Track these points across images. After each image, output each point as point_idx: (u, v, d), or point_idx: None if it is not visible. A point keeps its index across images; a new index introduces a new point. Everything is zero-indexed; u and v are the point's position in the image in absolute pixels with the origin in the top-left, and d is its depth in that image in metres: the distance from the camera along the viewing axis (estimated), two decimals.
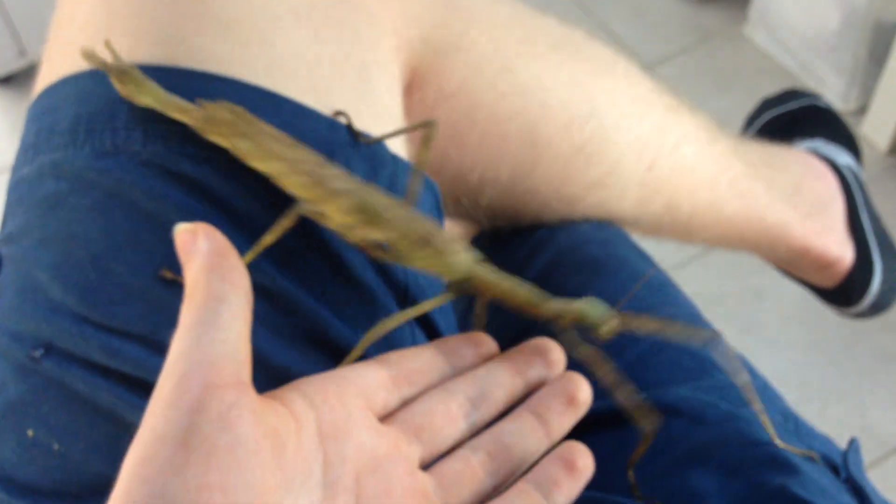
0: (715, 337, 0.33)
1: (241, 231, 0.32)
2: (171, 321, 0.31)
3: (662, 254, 1.29)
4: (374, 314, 0.34)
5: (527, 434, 0.30)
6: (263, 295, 0.32)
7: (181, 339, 0.25)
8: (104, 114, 0.33)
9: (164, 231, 0.31)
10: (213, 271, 0.26)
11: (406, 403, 0.30)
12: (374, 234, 0.32)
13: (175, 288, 0.31)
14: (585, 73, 0.50)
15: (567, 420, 0.31)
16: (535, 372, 0.32)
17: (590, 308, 0.31)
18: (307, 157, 0.32)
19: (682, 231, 0.58)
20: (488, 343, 0.33)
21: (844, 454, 0.39)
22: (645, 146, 0.51)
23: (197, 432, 0.23)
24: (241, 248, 0.32)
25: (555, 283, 0.49)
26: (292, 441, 0.26)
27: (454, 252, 0.32)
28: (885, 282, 0.65)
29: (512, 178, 0.48)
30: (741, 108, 0.88)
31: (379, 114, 0.39)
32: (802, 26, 1.42)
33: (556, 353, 0.33)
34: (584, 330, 0.32)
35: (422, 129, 0.36)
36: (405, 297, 0.36)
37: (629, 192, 0.52)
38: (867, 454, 1.08)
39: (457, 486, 0.29)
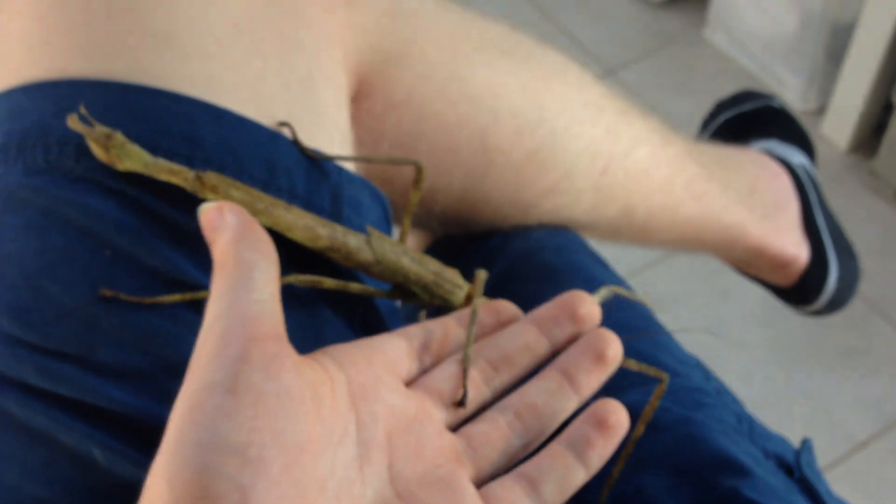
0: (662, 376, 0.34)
1: (181, 248, 0.32)
2: (108, 340, 0.30)
3: (628, 256, 1.30)
4: (319, 327, 0.34)
5: (554, 393, 0.30)
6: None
7: (217, 302, 0.26)
8: (36, 130, 0.32)
9: (99, 249, 0.31)
10: (242, 241, 0.27)
11: (427, 372, 0.31)
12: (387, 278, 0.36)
13: (113, 307, 0.31)
14: (536, 80, 0.50)
15: (596, 378, 0.31)
16: (561, 331, 0.32)
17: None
18: (308, 218, 0.34)
19: (639, 234, 0.58)
20: (509, 309, 0.33)
21: (797, 454, 0.39)
22: (598, 151, 0.51)
23: (244, 380, 0.24)
24: (183, 265, 0.32)
25: (510, 290, 0.48)
26: (328, 397, 0.27)
27: (458, 290, 0.37)
28: (840, 279, 0.66)
29: (464, 186, 0.48)
30: (703, 110, 0.89)
31: (324, 124, 0.39)
32: (760, 28, 1.44)
33: (587, 306, 0.32)
34: None
35: (405, 163, 0.40)
36: None
37: (584, 197, 0.52)
38: (835, 451, 1.09)
39: (485, 446, 0.29)
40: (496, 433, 0.30)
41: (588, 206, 0.52)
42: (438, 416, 0.30)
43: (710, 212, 0.59)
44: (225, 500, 0.22)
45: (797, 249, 0.64)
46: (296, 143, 0.36)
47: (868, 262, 1.27)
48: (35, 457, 0.30)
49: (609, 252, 1.36)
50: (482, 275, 0.36)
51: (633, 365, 0.33)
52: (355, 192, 0.38)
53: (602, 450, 0.29)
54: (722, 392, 0.44)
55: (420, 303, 0.37)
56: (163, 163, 0.32)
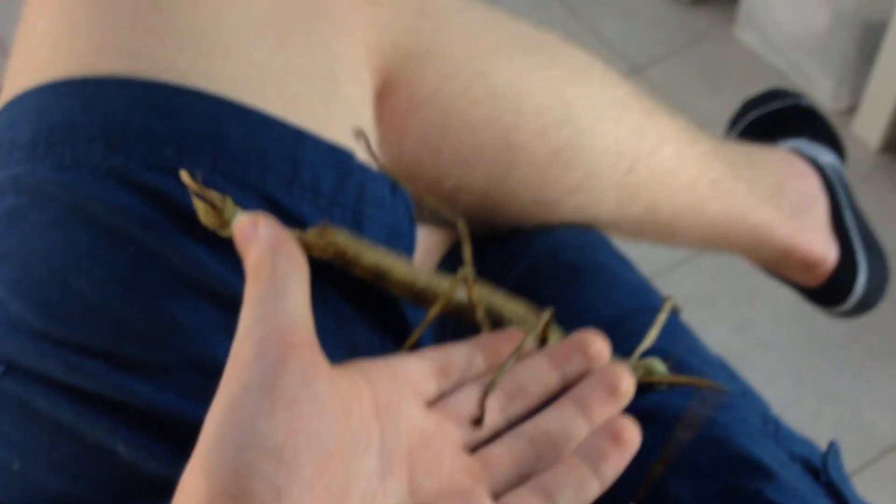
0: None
1: (205, 242, 0.32)
2: (132, 336, 0.30)
3: (654, 256, 1.29)
4: (340, 322, 0.34)
5: (568, 421, 0.31)
6: (228, 307, 0.31)
7: (253, 309, 0.27)
8: (65, 126, 0.33)
9: (125, 245, 0.31)
10: (275, 253, 0.28)
11: (445, 395, 0.32)
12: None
13: (137, 302, 0.31)
14: (560, 78, 0.49)
15: (609, 409, 0.32)
16: (573, 366, 0.33)
17: (654, 364, 0.38)
18: (407, 265, 0.36)
19: (664, 234, 0.57)
20: (525, 339, 0.34)
21: (824, 457, 0.39)
22: (623, 149, 0.51)
23: (281, 384, 0.25)
24: (206, 260, 0.32)
25: (533, 289, 0.48)
26: (357, 408, 0.28)
27: (553, 334, 0.37)
28: (869, 280, 0.65)
29: (487, 184, 0.48)
30: (731, 108, 0.88)
31: (348, 121, 0.39)
32: (791, 26, 1.42)
33: (597, 345, 0.33)
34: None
35: (448, 219, 0.43)
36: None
37: (608, 195, 0.52)
38: (863, 454, 1.07)
39: (500, 466, 0.30)
40: (511, 456, 0.30)
41: (612, 205, 0.52)
42: (456, 436, 0.30)
43: (737, 211, 0.58)
44: (260, 498, 0.23)
45: (825, 249, 0.63)
46: (370, 154, 0.37)
47: None
48: (60, 451, 0.30)
49: (636, 251, 1.35)
50: (546, 315, 0.36)
51: (685, 379, 0.37)
52: (379, 189, 0.38)
53: (616, 463, 0.30)
54: (747, 393, 0.43)
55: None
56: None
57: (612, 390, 0.32)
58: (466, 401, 0.31)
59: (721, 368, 0.44)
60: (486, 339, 0.34)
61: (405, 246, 0.40)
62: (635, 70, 1.50)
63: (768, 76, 1.46)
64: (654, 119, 0.54)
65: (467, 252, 0.37)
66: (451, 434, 0.30)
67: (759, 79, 1.47)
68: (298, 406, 0.25)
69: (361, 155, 0.39)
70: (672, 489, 0.35)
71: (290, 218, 0.34)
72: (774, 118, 0.75)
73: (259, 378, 0.25)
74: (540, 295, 0.48)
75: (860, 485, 1.18)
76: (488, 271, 0.51)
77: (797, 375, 1.15)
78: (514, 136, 0.47)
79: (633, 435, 0.31)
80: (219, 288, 0.32)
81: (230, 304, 0.31)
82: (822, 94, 1.41)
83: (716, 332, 1.20)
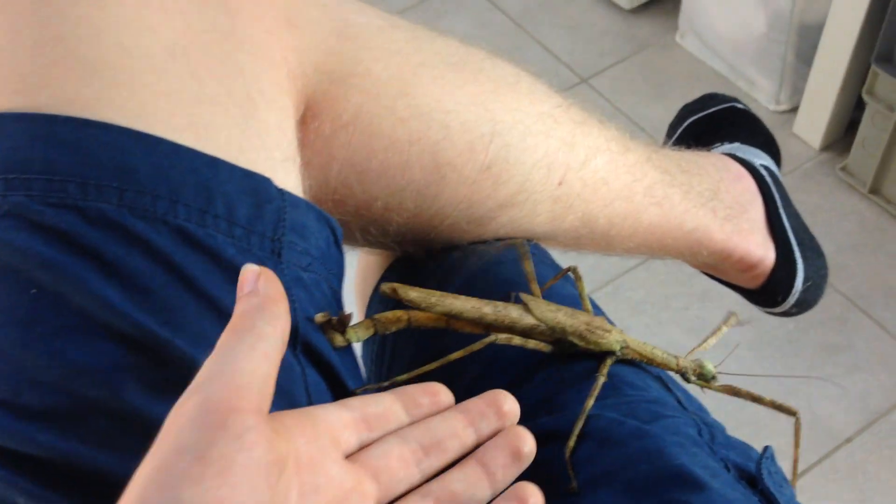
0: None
1: (111, 280, 0.31)
2: (33, 382, 0.29)
3: (607, 262, 1.30)
4: None
5: (473, 484, 0.32)
6: (137, 347, 0.31)
7: (215, 359, 0.27)
8: None
9: (24, 287, 0.30)
10: (262, 311, 0.29)
11: (364, 446, 0.32)
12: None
13: (37, 346, 0.30)
14: (487, 93, 0.49)
15: (511, 472, 0.33)
16: (487, 424, 0.34)
17: (706, 363, 0.44)
18: (474, 301, 0.42)
19: (601, 243, 0.57)
20: (444, 393, 0.35)
21: (758, 463, 0.39)
22: (553, 162, 0.51)
23: (216, 449, 0.25)
24: (112, 298, 0.31)
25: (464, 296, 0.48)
26: (284, 469, 0.27)
27: (605, 335, 0.42)
28: (807, 279, 0.65)
29: (418, 203, 0.48)
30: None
31: (266, 147, 0.39)
32: (730, 32, 1.44)
33: (509, 404, 0.34)
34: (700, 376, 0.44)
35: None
36: (295, 336, 0.35)
37: (541, 208, 0.52)
38: (819, 448, 1.09)
39: None
40: None
41: (546, 218, 0.52)
42: (372, 492, 0.31)
43: (673, 217, 0.58)
44: None
45: (763, 251, 0.64)
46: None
47: (845, 258, 1.27)
48: None
49: (589, 257, 1.35)
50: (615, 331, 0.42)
51: (769, 403, 0.42)
52: (300, 216, 0.38)
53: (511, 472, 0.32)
54: (684, 402, 0.43)
55: (577, 350, 0.42)
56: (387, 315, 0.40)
57: (516, 454, 0.33)
58: (385, 454, 0.31)
59: (656, 379, 0.44)
60: (408, 390, 0.34)
61: (332, 272, 0.40)
62: (582, 80, 1.52)
63: (711, 81, 1.49)
64: (585, 130, 0.54)
65: (529, 267, 0.44)
66: (366, 489, 0.30)
67: (703, 84, 1.49)
68: (230, 472, 0.24)
69: (285, 181, 0.39)
70: (600, 502, 0.35)
71: (204, 249, 0.33)
72: (710, 122, 0.76)
73: (194, 441, 0.25)
74: None
75: (817, 478, 1.19)
76: (427, 286, 0.51)
77: (751, 373, 1.16)
78: (442, 153, 0.47)
79: (530, 450, 0.32)
80: (126, 327, 0.31)
81: (137, 344, 0.31)
82: (764, 96, 1.44)
83: (670, 333, 1.21)
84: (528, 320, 0.41)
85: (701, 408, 0.45)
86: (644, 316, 1.23)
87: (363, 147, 0.45)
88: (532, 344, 0.42)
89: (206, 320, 0.32)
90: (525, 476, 0.38)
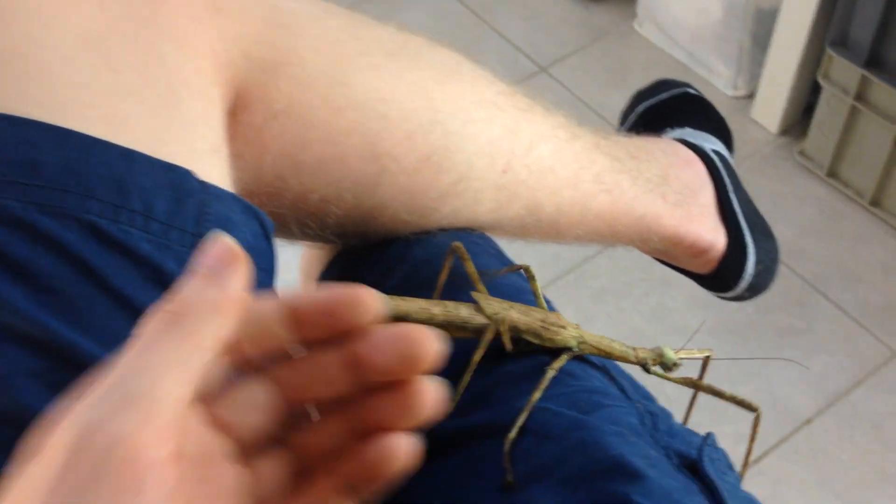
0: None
1: (16, 280, 0.30)
2: None
3: (567, 251, 1.29)
4: None
5: (339, 437, 0.27)
6: (41, 350, 0.29)
7: (123, 366, 0.22)
8: None
9: None
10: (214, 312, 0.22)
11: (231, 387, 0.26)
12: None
13: None
14: (426, 81, 0.48)
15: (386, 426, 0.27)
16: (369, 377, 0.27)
17: (666, 351, 0.43)
18: (421, 302, 0.40)
19: (550, 231, 0.57)
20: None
21: (700, 450, 0.38)
22: (497, 150, 0.50)
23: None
24: (16, 299, 0.30)
25: (411, 296, 0.47)
26: None
27: (560, 332, 0.42)
28: (759, 262, 0.65)
29: (356, 195, 0.47)
30: None
31: (190, 140, 0.37)
32: (687, 18, 1.45)
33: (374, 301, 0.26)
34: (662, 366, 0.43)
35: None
36: None
37: (485, 197, 0.51)
38: (780, 430, 1.09)
39: (270, 482, 0.26)
40: (281, 469, 0.26)
41: (490, 207, 0.51)
42: (230, 448, 0.26)
43: (622, 203, 0.58)
44: None
45: (714, 236, 0.64)
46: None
47: (804, 242, 1.28)
48: None
49: (550, 247, 1.35)
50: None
51: (730, 398, 0.41)
52: (224, 209, 0.36)
53: (376, 487, 0.27)
54: (628, 391, 0.43)
55: (534, 350, 0.42)
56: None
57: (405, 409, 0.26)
58: (246, 402, 0.26)
59: (599, 368, 0.44)
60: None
61: (262, 267, 0.38)
62: (541, 69, 1.51)
63: (670, 68, 1.49)
64: (530, 117, 0.53)
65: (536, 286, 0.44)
66: (226, 445, 0.25)
67: (662, 71, 1.49)
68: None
69: (209, 174, 0.37)
70: (538, 498, 0.34)
71: (117, 246, 0.32)
72: (662, 108, 0.75)
73: (68, 489, 0.20)
74: None
75: (777, 460, 1.20)
76: (367, 281, 0.50)
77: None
78: (381, 143, 0.46)
79: (398, 461, 0.26)
80: (29, 329, 0.30)
81: (42, 347, 0.29)
82: (722, 82, 1.44)
83: (632, 320, 1.21)
84: (480, 319, 0.40)
85: (647, 396, 0.45)
86: (606, 304, 1.23)
87: (297, 138, 0.44)
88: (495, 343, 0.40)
89: (117, 320, 0.31)
90: (460, 471, 0.37)
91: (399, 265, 0.49)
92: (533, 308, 0.42)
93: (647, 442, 0.38)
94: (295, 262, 0.63)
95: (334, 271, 0.52)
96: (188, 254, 0.34)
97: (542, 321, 0.41)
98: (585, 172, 0.56)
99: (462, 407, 0.40)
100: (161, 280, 0.33)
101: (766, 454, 1.06)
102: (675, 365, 0.43)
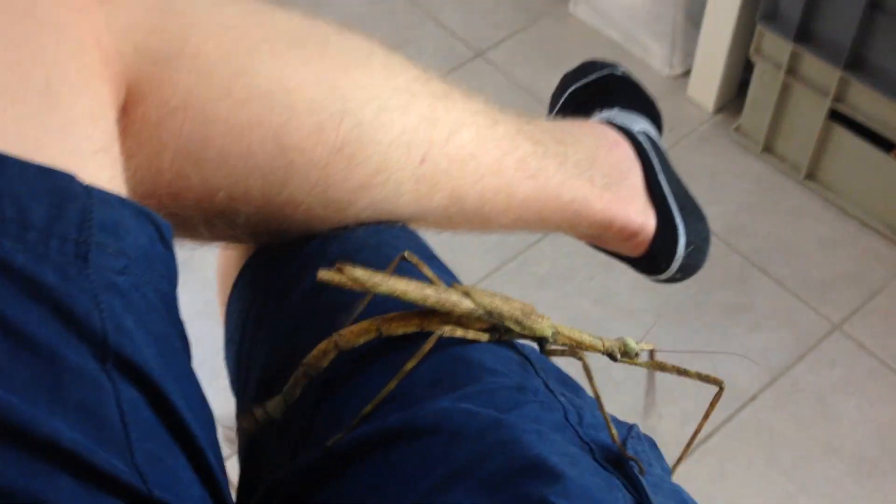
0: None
1: None
2: None
3: (509, 239, 1.28)
4: (58, 375, 0.29)
5: None
6: None
7: None
8: None
9: None
10: None
11: None
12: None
13: None
14: (335, 69, 0.46)
15: None
16: None
17: (628, 342, 0.44)
18: (415, 284, 0.40)
19: (475, 221, 0.55)
20: None
21: (623, 444, 0.37)
22: (413, 140, 0.48)
23: None
24: None
25: (327, 296, 0.45)
26: None
27: (539, 321, 0.42)
28: (689, 243, 0.65)
29: (265, 192, 0.44)
30: None
31: (73, 140, 0.35)
32: None
33: None
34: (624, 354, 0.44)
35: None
36: (104, 349, 0.31)
37: (404, 189, 0.49)
38: (725, 407, 1.10)
39: None
40: None
41: (410, 198, 0.49)
42: None
43: (549, 189, 0.56)
44: None
45: (644, 218, 0.63)
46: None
47: (742, 218, 1.29)
48: None
49: (493, 236, 1.33)
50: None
51: (695, 375, 0.42)
52: (112, 213, 0.34)
53: None
54: (552, 385, 0.41)
55: (514, 337, 0.42)
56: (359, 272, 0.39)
57: None
58: None
59: (519, 364, 0.42)
60: None
61: (160, 273, 0.36)
62: (477, 54, 1.50)
63: (605, 49, 1.48)
64: (448, 104, 0.51)
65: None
66: None
67: (597, 52, 1.48)
68: None
69: (97, 176, 0.35)
70: (458, 501, 0.33)
71: None
72: (590, 90, 0.74)
73: None
74: (335, 299, 0.45)
75: (724, 438, 1.20)
76: (284, 278, 0.48)
77: (656, 338, 1.17)
78: (288, 136, 0.44)
79: None
80: None
81: None
82: (658, 61, 1.44)
83: (578, 305, 1.21)
84: (467, 304, 0.40)
85: (574, 388, 0.43)
86: (550, 290, 1.22)
87: (197, 134, 0.42)
88: (472, 334, 0.41)
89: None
90: (378, 476, 0.36)
91: (316, 261, 0.47)
92: (511, 298, 0.42)
93: (570, 438, 0.37)
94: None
95: (248, 272, 0.50)
96: (70, 264, 0.32)
97: (522, 310, 0.42)
98: (508, 158, 0.54)
99: (381, 410, 0.38)
100: (39, 294, 0.30)
101: (712, 433, 1.07)
102: (637, 354, 0.44)
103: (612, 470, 0.36)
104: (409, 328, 0.41)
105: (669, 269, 0.65)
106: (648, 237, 0.63)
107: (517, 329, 0.42)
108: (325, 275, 0.38)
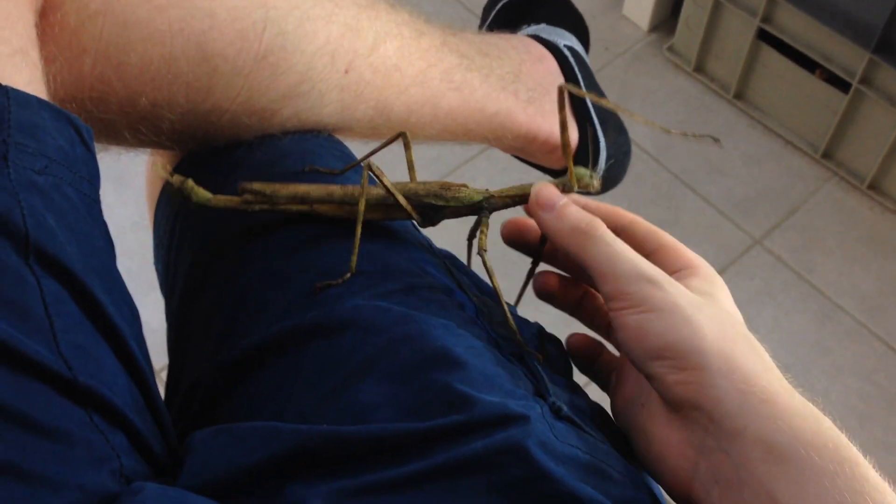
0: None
1: None
2: None
3: (446, 154, 1.29)
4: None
5: None
6: None
7: None
8: None
9: None
10: None
11: None
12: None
13: None
14: None
15: None
16: None
17: (584, 172, 0.43)
18: (319, 185, 0.43)
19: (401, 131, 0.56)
20: None
21: (538, 333, 0.40)
22: (337, 49, 0.49)
23: None
24: None
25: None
26: None
27: (461, 190, 0.43)
28: (610, 157, 0.67)
29: (189, 98, 0.45)
30: None
31: None
32: None
33: None
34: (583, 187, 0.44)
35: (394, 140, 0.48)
36: (25, 244, 0.32)
37: (328, 98, 0.50)
38: None
39: None
40: None
41: (335, 108, 0.50)
42: None
43: (473, 101, 0.58)
44: None
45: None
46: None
47: (672, 137, 1.32)
48: None
49: (431, 151, 1.34)
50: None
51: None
52: (30, 115, 0.35)
53: None
54: (464, 284, 0.44)
55: (446, 215, 0.43)
56: (222, 197, 0.43)
57: None
58: None
59: (436, 265, 0.44)
60: None
61: (80, 175, 0.37)
62: None
63: None
64: (373, 14, 0.52)
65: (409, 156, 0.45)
66: None
67: None
68: None
69: (14, 78, 0.35)
70: (366, 397, 0.35)
71: None
72: (519, 4, 0.75)
73: None
74: None
75: None
76: (210, 185, 0.49)
77: None
78: (210, 44, 0.44)
79: None
80: None
81: None
82: None
83: (514, 216, 1.23)
84: (377, 191, 0.41)
85: (488, 291, 0.46)
86: None
87: (118, 39, 0.42)
88: (400, 216, 0.42)
89: None
90: (289, 373, 0.38)
91: (242, 168, 0.48)
92: (430, 181, 0.43)
93: (478, 333, 0.39)
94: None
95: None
96: None
97: (441, 185, 0.42)
98: (433, 70, 0.55)
99: (299, 308, 0.40)
100: None
101: None
102: (592, 178, 0.44)
103: (517, 362, 0.39)
104: (301, 207, 0.43)
105: None
106: (571, 151, 0.65)
107: (441, 203, 0.42)
108: (220, 200, 0.42)
